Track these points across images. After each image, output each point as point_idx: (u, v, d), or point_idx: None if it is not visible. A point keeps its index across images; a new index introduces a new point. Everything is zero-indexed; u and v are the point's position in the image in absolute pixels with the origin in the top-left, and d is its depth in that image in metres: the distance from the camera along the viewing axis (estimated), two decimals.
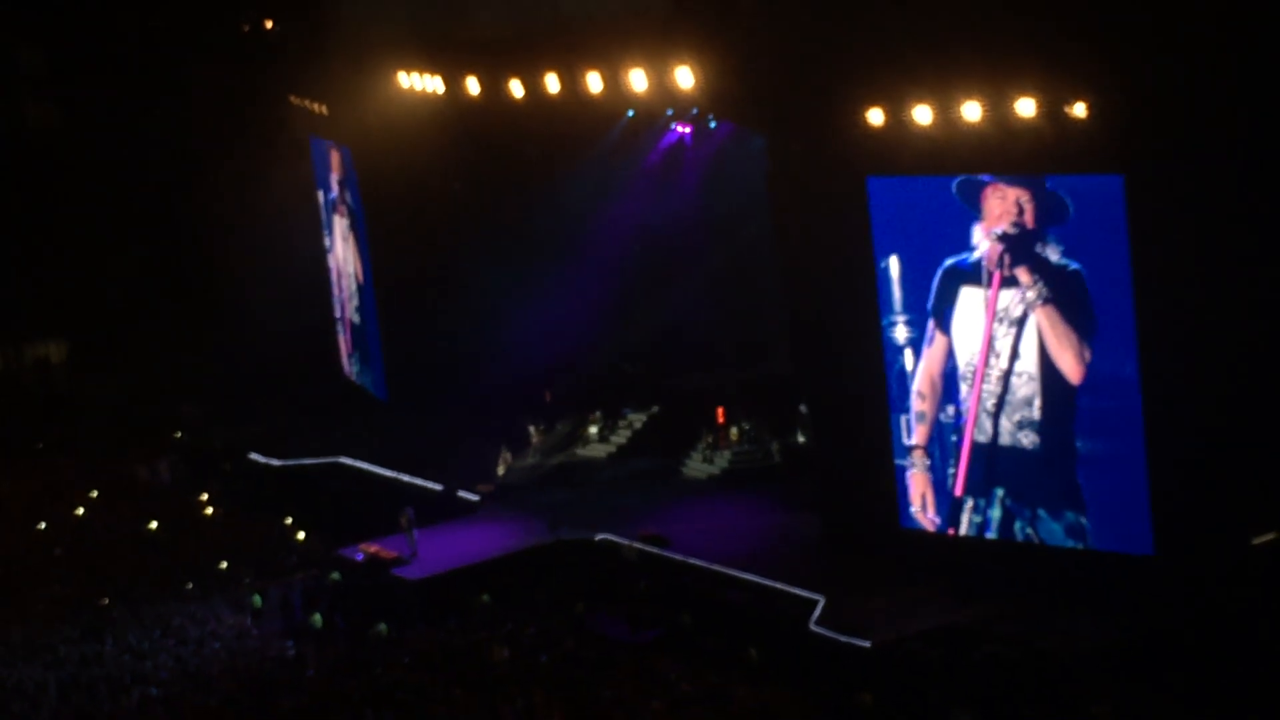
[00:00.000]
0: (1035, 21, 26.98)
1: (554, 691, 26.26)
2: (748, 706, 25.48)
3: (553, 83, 35.58)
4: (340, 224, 47.65)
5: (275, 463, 43.28)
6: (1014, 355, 29.52)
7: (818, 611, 29.32)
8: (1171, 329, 27.47)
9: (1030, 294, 29.10)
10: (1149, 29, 26.11)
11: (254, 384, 50.02)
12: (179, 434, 46.81)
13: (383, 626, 30.43)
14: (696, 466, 39.39)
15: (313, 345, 50.26)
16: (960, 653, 26.99)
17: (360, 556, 35.00)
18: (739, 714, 25.31)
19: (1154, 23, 26.06)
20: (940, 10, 28.28)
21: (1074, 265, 28.45)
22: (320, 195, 49.28)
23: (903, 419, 31.29)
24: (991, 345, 29.78)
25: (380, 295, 44.95)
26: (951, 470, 30.76)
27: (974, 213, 29.38)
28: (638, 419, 41.96)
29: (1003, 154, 28.37)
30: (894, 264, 30.84)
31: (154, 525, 38.36)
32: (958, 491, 30.74)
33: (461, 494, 38.75)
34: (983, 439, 30.22)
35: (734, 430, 39.48)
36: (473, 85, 37.80)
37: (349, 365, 49.44)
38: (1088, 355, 28.66)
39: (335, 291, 49.62)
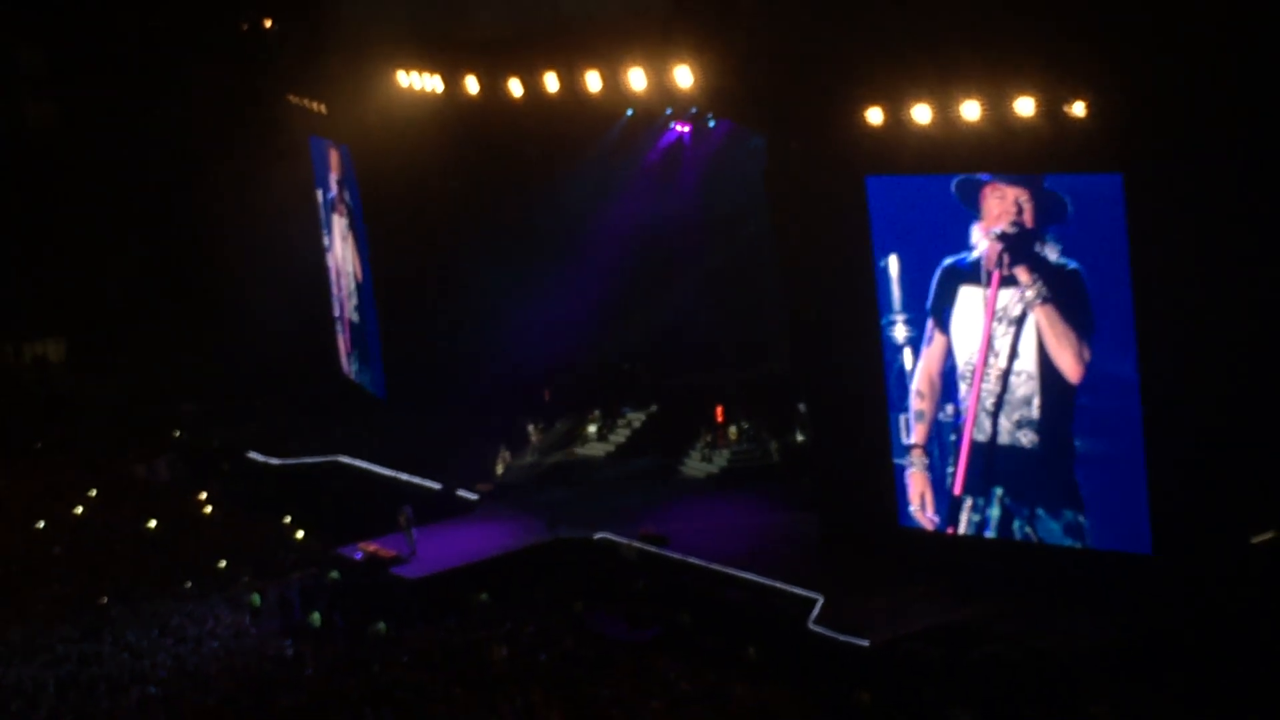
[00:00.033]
0: (1034, 21, 26.98)
1: (553, 690, 26.24)
2: (746, 705, 25.46)
3: (552, 82, 35.58)
4: (339, 223, 47.62)
5: (274, 462, 43.22)
6: (1013, 354, 29.51)
7: (816, 610, 29.30)
8: (1170, 328, 27.46)
9: (1029, 293, 29.09)
10: (1149, 29, 26.10)
11: (253, 383, 50.00)
12: (178, 433, 46.78)
13: (381, 625, 30.40)
14: (695, 465, 39.35)
15: (312, 344, 50.26)
16: (959, 652, 26.99)
17: (359, 555, 34.98)
18: (738, 713, 25.28)
19: (1154, 22, 26.05)
20: (940, 10, 28.27)
21: (1073, 264, 28.44)
22: (319, 194, 49.24)
23: (902, 418, 31.29)
24: (990, 344, 29.77)
25: (379, 294, 44.92)
26: (950, 469, 30.76)
27: (973, 212, 29.37)
28: (637, 418, 41.92)
29: (1002, 153, 28.37)
30: (893, 263, 30.84)
31: (153, 524, 38.35)
32: (957, 490, 30.73)
33: (460, 493, 38.71)
34: (982, 438, 30.22)
35: (733, 429, 39.43)
36: (472, 85, 37.81)
37: (348, 364, 49.40)
38: (1087, 354, 28.64)
39: (334, 291, 49.59)
